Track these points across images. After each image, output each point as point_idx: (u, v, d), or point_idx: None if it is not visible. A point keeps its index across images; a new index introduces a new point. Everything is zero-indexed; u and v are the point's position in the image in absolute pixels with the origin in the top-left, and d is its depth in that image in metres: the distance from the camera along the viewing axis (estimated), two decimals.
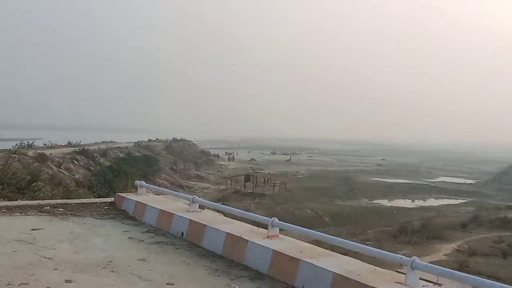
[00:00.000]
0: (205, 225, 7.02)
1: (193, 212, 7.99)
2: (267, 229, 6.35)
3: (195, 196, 8.24)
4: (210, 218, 7.67)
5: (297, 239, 6.98)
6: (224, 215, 8.26)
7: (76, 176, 40.30)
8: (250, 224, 7.34)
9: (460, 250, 31.08)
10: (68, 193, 20.61)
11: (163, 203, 8.81)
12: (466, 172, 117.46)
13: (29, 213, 8.80)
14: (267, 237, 6.25)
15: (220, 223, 7.18)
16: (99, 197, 35.72)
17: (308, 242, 6.70)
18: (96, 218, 8.67)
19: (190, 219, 7.41)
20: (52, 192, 22.22)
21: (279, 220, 6.45)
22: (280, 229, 6.52)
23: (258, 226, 7.02)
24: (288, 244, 6.14)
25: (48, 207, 9.19)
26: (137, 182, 10.12)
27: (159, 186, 56.65)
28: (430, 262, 18.57)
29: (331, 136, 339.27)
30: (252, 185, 65.70)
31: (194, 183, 69.70)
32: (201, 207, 8.33)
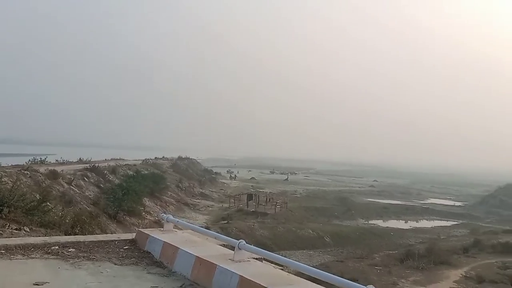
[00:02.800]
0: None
1: (239, 262, 5.81)
2: None
3: (242, 241, 6.03)
4: (265, 273, 5.50)
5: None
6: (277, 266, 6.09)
7: (87, 194, 38.04)
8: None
9: (468, 277, 28.74)
10: (79, 214, 18.44)
11: (198, 246, 6.60)
12: (454, 195, 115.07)
13: (33, 256, 6.60)
14: None
15: (285, 284, 5.04)
16: (108, 216, 33.76)
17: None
18: (115, 264, 6.47)
19: (241, 276, 5.22)
20: (63, 212, 20.09)
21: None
22: None
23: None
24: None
25: (57, 247, 6.96)
26: (164, 216, 7.87)
27: (166, 205, 54.80)
28: None
29: (324, 157, 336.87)
30: (254, 204, 63.35)
31: (199, 201, 67.27)
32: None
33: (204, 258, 5.91)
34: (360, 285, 4.55)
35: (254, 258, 6.20)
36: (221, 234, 35.13)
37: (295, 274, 5.67)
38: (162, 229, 7.74)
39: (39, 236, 10.61)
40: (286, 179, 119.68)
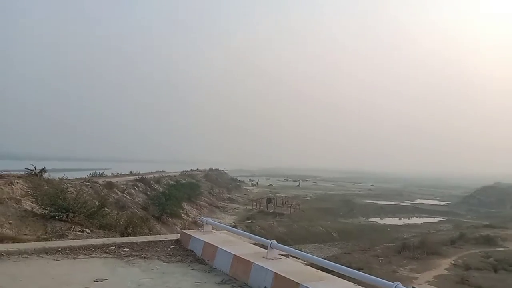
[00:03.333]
0: (299, 284, 4.44)
1: (272, 260, 5.40)
2: None
3: (274, 241, 5.62)
4: (296, 269, 5.07)
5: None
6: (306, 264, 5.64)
7: (136, 200, 37.91)
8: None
9: (456, 265, 27.61)
10: (131, 217, 18.17)
11: (235, 246, 6.20)
12: (438, 196, 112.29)
13: (93, 255, 6.29)
14: None
15: (316, 281, 4.60)
16: (155, 218, 33.50)
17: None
18: (163, 262, 6.11)
19: (275, 273, 4.80)
20: (117, 215, 19.86)
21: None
22: None
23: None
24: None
25: (114, 247, 6.65)
26: (203, 219, 7.51)
27: (201, 208, 54.42)
28: (435, 276, 15.37)
29: (328, 166, 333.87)
30: (272, 206, 62.57)
31: (227, 204, 66.72)
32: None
33: (241, 256, 5.52)
34: (387, 281, 4.05)
35: (283, 255, 5.78)
36: (247, 231, 34.48)
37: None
38: (202, 230, 7.37)
39: (99, 237, 10.33)
40: (298, 185, 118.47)
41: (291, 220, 53.13)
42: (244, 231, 40.36)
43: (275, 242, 5.55)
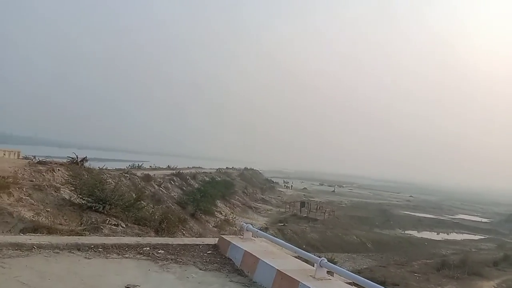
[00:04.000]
0: None
1: (321, 280, 4.81)
2: None
3: (323, 259, 5.01)
4: None
5: None
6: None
7: (172, 194, 38.09)
8: None
9: None
10: (166, 213, 17.97)
11: (278, 259, 5.62)
12: (480, 212, 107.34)
13: (127, 255, 5.89)
14: None
15: None
16: (188, 213, 33.45)
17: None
18: (200, 269, 5.63)
19: None
20: (153, 209, 19.79)
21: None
22: None
23: None
24: None
25: (148, 248, 6.23)
26: (244, 225, 6.98)
27: (234, 207, 54.20)
28: None
29: (366, 173, 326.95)
30: (306, 210, 61.59)
31: (260, 205, 66.24)
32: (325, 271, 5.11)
33: (286, 273, 4.94)
34: None
35: (329, 273, 5.18)
36: (278, 235, 33.76)
37: None
38: (241, 236, 6.84)
39: (133, 233, 10.06)
40: (333, 191, 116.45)
41: (324, 226, 52.01)
42: (276, 234, 39.67)
43: (325, 260, 4.94)
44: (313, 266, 5.17)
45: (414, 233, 64.18)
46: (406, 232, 63.57)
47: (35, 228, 9.14)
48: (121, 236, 7.95)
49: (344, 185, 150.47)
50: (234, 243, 6.36)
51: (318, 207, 63.30)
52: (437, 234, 66.69)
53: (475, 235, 69.10)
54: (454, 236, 67.06)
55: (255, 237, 6.97)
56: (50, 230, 9.15)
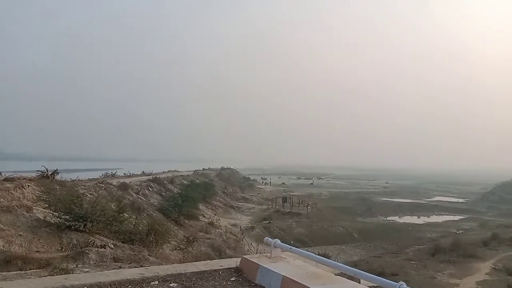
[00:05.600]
0: None
1: None
2: None
3: (402, 283, 3.83)
4: None
5: None
6: None
7: (151, 201, 36.36)
8: None
9: (497, 269, 25.59)
10: (151, 224, 16.47)
11: (329, 284, 4.43)
12: (455, 193, 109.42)
13: None
14: None
15: None
16: (171, 220, 31.83)
17: None
18: None
19: None
20: (136, 220, 18.29)
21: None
22: None
23: None
24: None
25: (157, 282, 4.85)
26: (269, 240, 5.64)
27: (216, 208, 52.70)
28: (478, 282, 13.29)
29: (338, 163, 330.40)
30: (288, 205, 60.79)
31: (242, 204, 64.91)
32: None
33: None
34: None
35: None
36: (265, 233, 32.41)
37: None
38: (268, 255, 5.55)
39: (126, 252, 8.63)
40: (311, 183, 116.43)
41: (309, 220, 51.31)
42: (262, 232, 38.22)
43: (404, 285, 3.75)
44: None
45: (396, 218, 64.50)
46: (388, 218, 63.75)
47: (7, 260, 7.63)
48: (115, 266, 6.51)
49: (322, 177, 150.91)
50: (264, 265, 5.07)
51: (300, 201, 62.53)
52: (417, 218, 67.23)
53: (454, 215, 70.14)
54: (435, 218, 67.77)
55: (283, 251, 5.68)
56: (25, 261, 7.66)
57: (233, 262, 5.69)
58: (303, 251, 5.36)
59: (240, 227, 41.87)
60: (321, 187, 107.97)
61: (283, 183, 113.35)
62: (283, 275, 4.63)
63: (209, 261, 5.81)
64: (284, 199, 63.83)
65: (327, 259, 5.12)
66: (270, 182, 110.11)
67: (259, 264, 5.11)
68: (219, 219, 41.55)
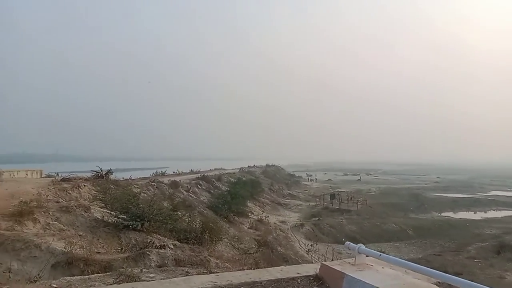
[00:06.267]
0: None
1: None
2: None
3: None
4: None
5: None
6: None
7: (201, 199, 36.47)
8: None
9: None
10: (206, 222, 16.19)
11: None
12: None
13: None
14: None
15: None
16: (222, 217, 31.68)
17: None
18: None
19: None
20: (189, 218, 18.06)
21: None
22: None
23: None
24: None
25: None
26: (352, 245, 4.91)
27: (264, 205, 52.28)
28: None
29: (387, 158, 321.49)
30: (337, 202, 59.37)
31: (289, 200, 64.21)
32: None
33: None
34: None
35: None
36: (315, 230, 31.36)
37: None
38: (352, 261, 4.84)
39: (186, 252, 8.21)
40: (359, 180, 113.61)
41: (360, 217, 49.76)
42: (313, 229, 37.15)
43: None
44: None
45: (451, 214, 61.38)
46: (443, 214, 60.77)
47: (69, 262, 7.41)
48: (181, 270, 6.04)
49: (371, 173, 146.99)
50: (350, 274, 4.36)
51: (348, 198, 60.93)
52: (474, 213, 63.67)
53: None
54: (493, 214, 63.93)
55: (366, 256, 4.95)
56: (87, 262, 7.40)
57: (311, 269, 5.03)
58: (397, 259, 4.62)
59: (289, 224, 41.25)
60: (369, 183, 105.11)
61: (329, 179, 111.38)
62: (376, 287, 3.93)
63: (283, 267, 5.18)
64: (332, 196, 62.48)
65: (425, 267, 4.35)
66: (316, 178, 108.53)
67: (344, 273, 4.42)
68: (268, 216, 41.09)
